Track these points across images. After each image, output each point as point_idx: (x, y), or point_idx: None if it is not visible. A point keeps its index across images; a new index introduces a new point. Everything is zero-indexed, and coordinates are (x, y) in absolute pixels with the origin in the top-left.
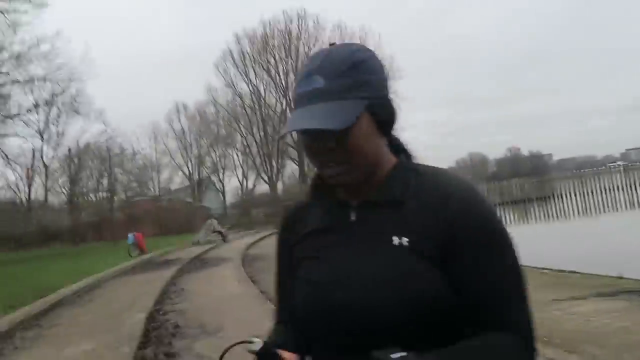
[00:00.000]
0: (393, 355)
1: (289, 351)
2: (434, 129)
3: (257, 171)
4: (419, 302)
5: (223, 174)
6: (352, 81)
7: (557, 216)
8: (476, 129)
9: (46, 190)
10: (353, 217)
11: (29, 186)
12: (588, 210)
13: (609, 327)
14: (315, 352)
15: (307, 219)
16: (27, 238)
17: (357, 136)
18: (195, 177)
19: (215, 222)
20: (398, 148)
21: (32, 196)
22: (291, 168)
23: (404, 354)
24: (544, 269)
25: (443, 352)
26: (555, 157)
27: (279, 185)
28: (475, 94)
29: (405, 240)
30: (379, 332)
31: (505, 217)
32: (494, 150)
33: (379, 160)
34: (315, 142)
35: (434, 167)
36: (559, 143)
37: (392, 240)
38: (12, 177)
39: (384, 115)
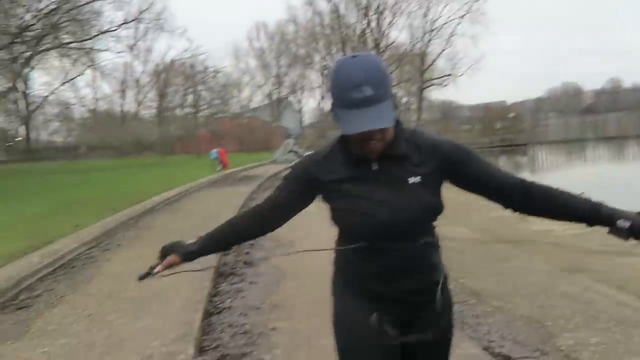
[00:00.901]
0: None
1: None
2: (524, 55)
3: None
4: (430, 212)
5: (301, 94)
6: (386, 87)
7: None
8: (573, 57)
9: (138, 103)
10: (375, 167)
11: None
12: None
13: None
14: (362, 243)
15: (334, 166)
16: (124, 147)
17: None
18: (274, 96)
19: (292, 142)
20: None
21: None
22: None
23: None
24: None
25: (588, 200)
26: None
27: None
28: (575, 19)
29: (416, 179)
30: (408, 231)
31: (597, 155)
32: (592, 81)
33: None
34: (368, 132)
35: (416, 129)
36: None
37: (408, 180)
38: (107, 90)
39: (394, 100)
